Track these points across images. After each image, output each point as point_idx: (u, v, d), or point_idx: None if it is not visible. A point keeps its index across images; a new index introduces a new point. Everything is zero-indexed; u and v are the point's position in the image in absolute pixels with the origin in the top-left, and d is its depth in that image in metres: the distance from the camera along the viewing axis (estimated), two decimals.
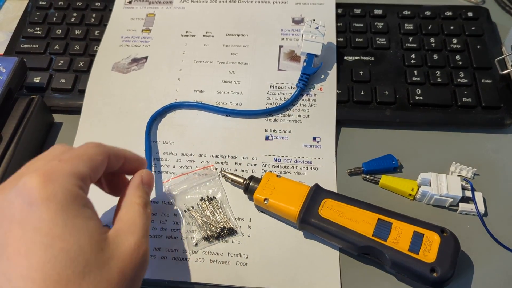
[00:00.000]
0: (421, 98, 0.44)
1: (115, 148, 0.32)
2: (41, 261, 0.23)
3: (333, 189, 0.39)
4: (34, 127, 0.42)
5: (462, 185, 0.38)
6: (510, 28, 0.47)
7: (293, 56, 0.47)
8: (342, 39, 0.48)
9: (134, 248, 0.27)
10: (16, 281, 0.23)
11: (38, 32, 0.51)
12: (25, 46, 0.50)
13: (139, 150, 0.42)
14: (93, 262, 0.25)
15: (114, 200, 0.33)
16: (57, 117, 0.46)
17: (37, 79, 0.47)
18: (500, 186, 0.40)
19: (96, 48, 0.49)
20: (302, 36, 0.44)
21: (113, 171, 0.33)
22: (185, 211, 0.38)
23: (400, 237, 0.34)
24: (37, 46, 0.50)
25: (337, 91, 0.45)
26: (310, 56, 0.44)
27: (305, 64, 0.44)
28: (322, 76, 0.45)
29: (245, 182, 0.38)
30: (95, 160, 0.29)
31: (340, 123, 0.44)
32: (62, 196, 0.25)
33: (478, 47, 0.47)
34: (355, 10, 0.51)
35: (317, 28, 0.44)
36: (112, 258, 0.26)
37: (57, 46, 0.50)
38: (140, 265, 0.27)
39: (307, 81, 0.44)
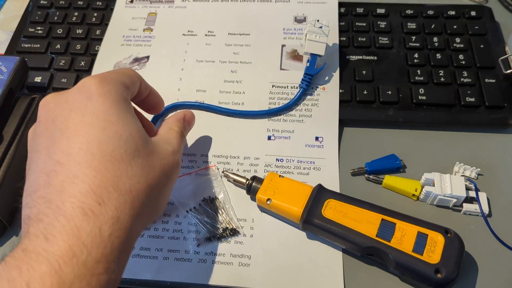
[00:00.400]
0: (424, 97, 0.43)
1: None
2: (98, 139, 0.27)
3: (336, 189, 0.39)
4: None
5: (466, 185, 0.38)
6: None
7: (295, 56, 0.47)
8: (344, 39, 0.48)
9: (171, 153, 0.31)
10: (76, 154, 0.26)
11: (39, 32, 0.51)
12: (26, 45, 0.50)
13: None
14: (141, 149, 0.28)
15: None
16: None
17: (38, 79, 0.47)
18: (504, 186, 0.39)
19: (98, 47, 0.49)
20: (306, 36, 0.43)
21: (138, 101, 0.36)
22: (187, 211, 0.38)
23: (404, 237, 0.33)
24: (38, 45, 0.50)
25: (340, 90, 0.44)
26: (314, 57, 0.44)
27: (308, 64, 0.44)
28: (325, 76, 0.45)
29: (247, 182, 0.38)
30: (134, 77, 0.33)
31: (343, 122, 0.43)
32: (115, 95, 0.29)
33: (482, 46, 0.47)
34: (357, 9, 0.51)
35: (320, 27, 0.43)
36: (154, 153, 0.30)
37: (58, 46, 0.49)
38: (175, 168, 0.32)
39: (310, 82, 0.44)
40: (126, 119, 0.29)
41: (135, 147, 0.28)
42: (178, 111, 0.37)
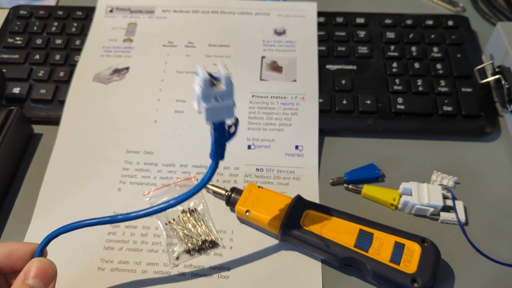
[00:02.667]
0: (402, 107, 0.44)
1: None
2: None
3: (316, 199, 0.39)
4: (13, 139, 0.41)
5: (443, 194, 0.38)
6: (489, 36, 0.48)
7: (275, 67, 0.47)
8: (324, 48, 0.49)
9: None
10: None
11: (18, 42, 0.50)
12: (5, 56, 0.49)
13: (118, 162, 0.41)
14: None
15: None
16: (37, 128, 0.45)
17: (16, 90, 0.46)
18: (481, 195, 0.40)
19: (77, 58, 0.49)
20: (200, 103, 0.28)
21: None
22: (166, 223, 0.38)
23: (381, 247, 0.34)
24: (17, 56, 0.49)
25: (320, 100, 0.45)
26: (221, 125, 0.30)
27: (216, 135, 0.30)
28: (304, 85, 0.46)
29: (226, 193, 0.38)
30: None
31: (323, 132, 0.44)
32: None
33: (459, 55, 0.47)
34: (337, 18, 0.51)
35: (217, 80, 0.28)
36: None
37: (37, 56, 0.49)
38: None
39: (224, 150, 0.31)
40: None
41: None
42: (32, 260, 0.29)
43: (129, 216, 0.31)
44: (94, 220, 0.32)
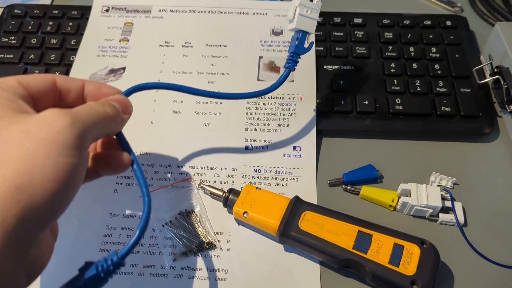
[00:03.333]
0: (401, 107, 0.44)
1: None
2: None
3: (314, 200, 0.39)
4: None
5: (442, 195, 0.38)
6: (487, 37, 0.47)
7: (272, 67, 0.47)
8: (322, 48, 0.48)
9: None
10: None
11: (13, 42, 0.50)
12: None
13: None
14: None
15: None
16: None
17: None
18: (480, 196, 0.40)
19: (73, 57, 0.48)
20: (296, 10, 0.38)
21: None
22: (163, 225, 0.37)
23: (380, 249, 0.33)
24: (12, 55, 0.49)
25: (317, 100, 0.44)
26: (304, 34, 0.39)
27: (297, 42, 0.39)
28: (302, 86, 0.45)
29: (224, 195, 0.38)
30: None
31: (322, 133, 0.43)
32: None
33: (457, 56, 0.47)
34: (335, 18, 0.51)
35: (311, 1, 0.39)
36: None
37: (32, 56, 0.48)
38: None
39: (297, 62, 0.39)
40: None
41: None
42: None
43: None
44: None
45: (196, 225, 0.37)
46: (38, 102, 0.29)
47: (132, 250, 0.28)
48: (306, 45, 0.39)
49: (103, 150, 0.33)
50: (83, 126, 0.25)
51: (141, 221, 0.28)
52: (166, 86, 0.36)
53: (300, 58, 0.39)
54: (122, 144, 0.32)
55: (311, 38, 0.41)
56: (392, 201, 0.38)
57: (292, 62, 0.39)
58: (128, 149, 0.32)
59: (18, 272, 0.24)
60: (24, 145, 0.23)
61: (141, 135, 0.43)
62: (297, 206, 0.36)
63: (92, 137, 0.27)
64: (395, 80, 0.45)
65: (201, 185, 0.39)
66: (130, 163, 0.31)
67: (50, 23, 0.51)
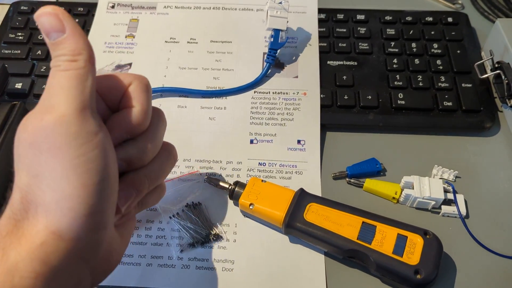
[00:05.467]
0: (403, 102, 0.44)
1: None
2: None
3: (318, 193, 0.40)
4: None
5: (444, 187, 0.39)
6: (488, 33, 0.48)
7: (276, 63, 0.47)
8: (325, 44, 0.49)
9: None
10: None
11: (20, 38, 0.50)
12: (6, 51, 0.49)
13: None
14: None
15: None
16: None
17: (18, 85, 0.46)
18: (481, 188, 0.40)
19: None
20: (267, 13, 0.45)
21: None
22: (170, 217, 0.38)
23: (384, 240, 0.34)
24: (19, 51, 0.49)
25: (321, 95, 0.45)
26: (276, 32, 0.46)
27: (272, 39, 0.46)
28: (306, 81, 0.46)
29: (230, 187, 0.38)
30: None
31: (325, 127, 0.44)
32: None
33: (458, 51, 0.48)
34: (338, 15, 0.51)
35: (280, 3, 0.45)
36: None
37: (39, 52, 0.49)
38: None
39: (275, 56, 0.46)
40: None
41: None
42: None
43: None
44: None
45: (203, 217, 0.38)
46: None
47: None
48: (280, 40, 0.46)
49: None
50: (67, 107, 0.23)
51: None
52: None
53: (277, 52, 0.46)
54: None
55: (286, 34, 0.48)
56: (395, 194, 0.39)
57: (271, 57, 0.46)
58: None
59: (80, 274, 0.25)
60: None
61: None
62: (302, 198, 0.37)
63: (85, 99, 0.24)
64: (397, 76, 0.46)
65: (208, 177, 0.40)
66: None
67: None
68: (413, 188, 0.39)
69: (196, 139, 0.43)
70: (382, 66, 0.47)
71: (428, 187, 0.38)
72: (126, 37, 0.50)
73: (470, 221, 0.38)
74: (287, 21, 0.46)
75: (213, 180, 0.39)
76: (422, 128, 0.44)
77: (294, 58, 0.48)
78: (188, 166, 0.41)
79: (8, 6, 0.54)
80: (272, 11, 0.45)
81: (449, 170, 0.40)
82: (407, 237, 0.34)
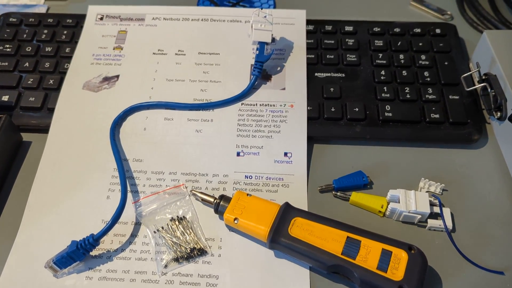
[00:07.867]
0: (390, 114, 0.44)
1: None
2: None
3: (304, 206, 0.39)
4: (2, 146, 0.41)
5: (430, 201, 0.38)
6: (476, 44, 0.48)
7: (264, 75, 0.47)
8: (313, 56, 0.49)
9: None
10: None
11: (8, 50, 0.50)
12: None
13: (107, 170, 0.41)
14: None
15: None
16: (26, 136, 0.45)
17: (5, 98, 0.46)
18: (468, 202, 0.40)
19: (67, 65, 0.49)
20: (252, 26, 0.46)
21: None
22: (154, 232, 0.38)
23: (368, 255, 0.34)
24: (6, 63, 0.49)
25: (308, 107, 0.45)
26: (262, 44, 0.47)
27: (257, 52, 0.46)
28: (293, 93, 0.46)
29: (215, 201, 0.38)
30: None
31: (313, 139, 0.44)
32: None
33: (446, 63, 0.48)
34: (326, 26, 0.52)
35: (265, 17, 0.46)
36: None
37: (26, 64, 0.49)
38: None
39: (261, 69, 0.46)
40: None
41: None
42: None
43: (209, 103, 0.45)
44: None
45: (188, 231, 0.38)
46: None
47: (106, 234, 0.36)
48: (266, 52, 0.47)
49: None
50: None
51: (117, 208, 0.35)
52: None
53: (263, 65, 0.47)
54: None
55: (272, 47, 0.49)
56: (382, 207, 0.39)
57: (257, 69, 0.46)
58: None
59: None
60: None
61: (134, 141, 0.43)
62: (287, 212, 0.36)
63: None
64: (385, 87, 0.46)
65: (193, 191, 0.39)
66: None
67: (45, 31, 0.52)
68: (399, 202, 0.38)
69: (182, 151, 0.43)
70: (370, 78, 0.47)
71: (414, 200, 0.38)
72: (114, 48, 0.50)
73: (457, 235, 0.38)
74: (272, 34, 0.46)
75: (198, 194, 0.39)
76: (409, 140, 0.44)
77: (281, 70, 0.48)
78: (174, 179, 0.41)
79: None
80: (256, 24, 0.46)
81: (436, 183, 0.40)
82: (391, 252, 0.34)
